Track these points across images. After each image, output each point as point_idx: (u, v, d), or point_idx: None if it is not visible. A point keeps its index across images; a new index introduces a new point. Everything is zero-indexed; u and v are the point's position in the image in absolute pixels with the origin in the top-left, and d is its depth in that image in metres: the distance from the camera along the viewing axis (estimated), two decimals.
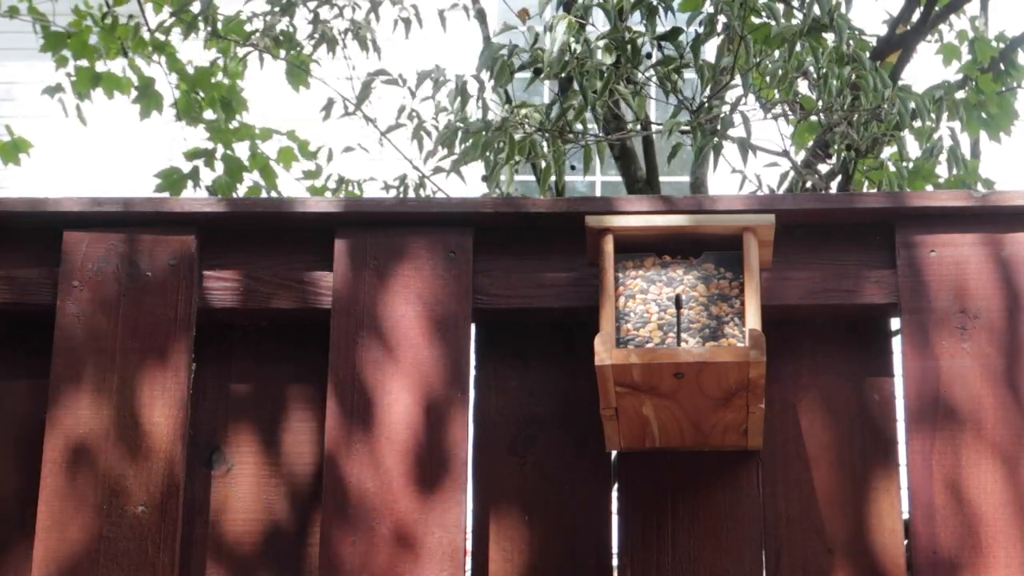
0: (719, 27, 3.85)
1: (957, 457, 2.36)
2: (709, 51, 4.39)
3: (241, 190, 5.88)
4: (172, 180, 5.84)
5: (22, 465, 2.42)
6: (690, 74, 3.99)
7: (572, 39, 3.77)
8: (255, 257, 2.49)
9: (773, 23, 3.89)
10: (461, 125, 4.10)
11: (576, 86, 3.84)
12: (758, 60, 3.87)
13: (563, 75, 3.88)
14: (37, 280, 2.46)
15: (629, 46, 3.85)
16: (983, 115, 5.59)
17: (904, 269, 2.44)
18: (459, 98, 4.12)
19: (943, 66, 5.94)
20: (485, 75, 4.05)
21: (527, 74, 4.06)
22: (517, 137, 3.96)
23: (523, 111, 3.99)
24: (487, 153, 4.00)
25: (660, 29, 3.92)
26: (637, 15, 4.00)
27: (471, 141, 4.04)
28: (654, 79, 3.96)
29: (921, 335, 2.41)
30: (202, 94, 5.91)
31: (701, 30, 3.90)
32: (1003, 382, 2.38)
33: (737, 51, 3.80)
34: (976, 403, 2.38)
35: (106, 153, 9.50)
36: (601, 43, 3.85)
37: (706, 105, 3.92)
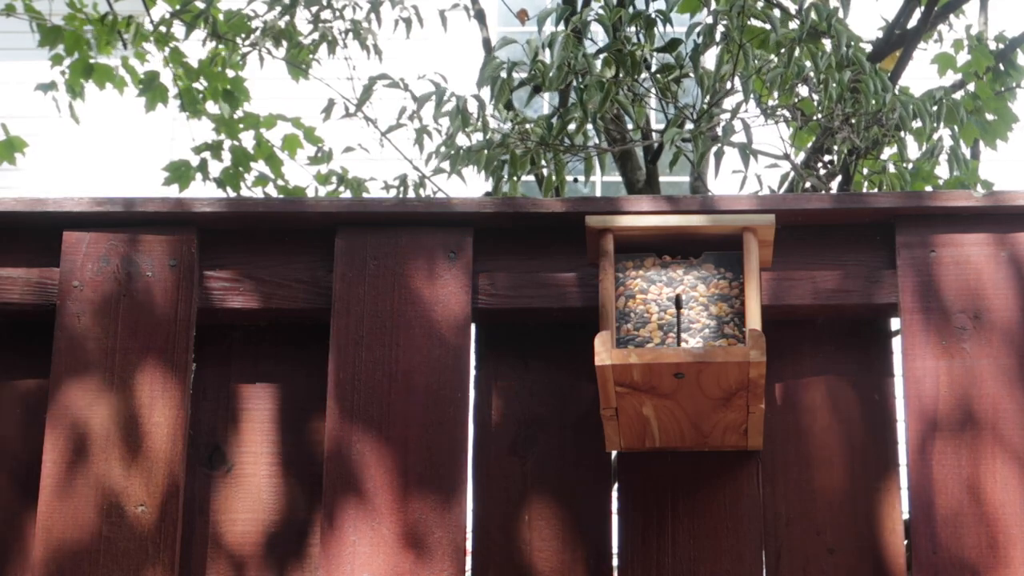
0: (717, 35, 3.85)
1: (957, 457, 2.35)
2: (709, 57, 4.39)
3: (248, 180, 5.88)
4: (180, 173, 5.84)
5: (22, 465, 2.42)
6: (689, 80, 3.99)
7: (571, 53, 3.77)
8: (255, 257, 2.49)
9: (771, 30, 3.89)
10: (462, 144, 4.11)
11: (576, 100, 3.84)
12: (759, 66, 3.87)
13: (563, 88, 3.89)
14: (37, 280, 2.46)
15: (628, 59, 3.85)
16: (980, 122, 5.58)
17: (904, 269, 2.44)
18: (459, 117, 4.12)
19: (938, 76, 5.92)
20: (485, 91, 4.05)
21: (527, 88, 4.07)
22: (519, 152, 3.96)
23: (525, 126, 4.00)
24: (490, 169, 4.00)
25: (658, 41, 3.92)
26: (635, 26, 4.00)
27: (473, 159, 4.04)
28: (653, 89, 3.97)
29: (921, 335, 2.40)
30: (204, 84, 5.91)
31: (700, 40, 3.90)
32: (1005, 381, 2.38)
33: (736, 58, 3.80)
34: (977, 403, 2.37)
35: (105, 152, 9.50)
36: (600, 58, 3.85)
37: (707, 113, 3.92)
